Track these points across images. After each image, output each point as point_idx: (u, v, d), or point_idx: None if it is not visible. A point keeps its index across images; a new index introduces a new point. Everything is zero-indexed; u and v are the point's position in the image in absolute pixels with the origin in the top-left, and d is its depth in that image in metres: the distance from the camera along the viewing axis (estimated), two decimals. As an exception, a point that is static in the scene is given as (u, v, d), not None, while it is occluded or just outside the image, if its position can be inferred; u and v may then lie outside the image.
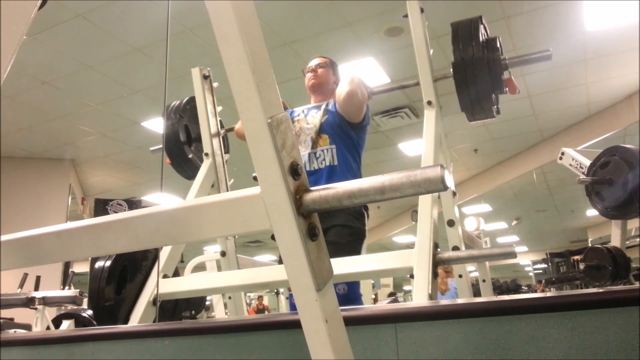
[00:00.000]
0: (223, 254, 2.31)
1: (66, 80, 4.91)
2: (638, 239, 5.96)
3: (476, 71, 1.95)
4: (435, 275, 1.46)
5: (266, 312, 9.68)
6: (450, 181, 1.03)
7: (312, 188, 0.59)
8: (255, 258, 4.69)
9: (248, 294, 9.45)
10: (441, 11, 3.97)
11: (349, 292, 1.99)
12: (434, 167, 0.53)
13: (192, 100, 2.55)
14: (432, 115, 1.98)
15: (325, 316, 0.56)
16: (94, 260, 1.85)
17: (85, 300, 3.37)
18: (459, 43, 1.98)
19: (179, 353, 1.06)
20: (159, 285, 1.74)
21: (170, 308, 2.02)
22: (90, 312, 2.90)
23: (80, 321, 3.01)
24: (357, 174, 2.21)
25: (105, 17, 3.99)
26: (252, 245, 11.58)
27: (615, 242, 3.34)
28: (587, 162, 3.29)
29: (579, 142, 6.47)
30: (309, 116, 2.25)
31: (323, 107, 2.24)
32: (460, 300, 1.02)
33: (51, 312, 3.63)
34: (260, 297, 10.83)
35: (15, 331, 2.62)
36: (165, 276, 1.84)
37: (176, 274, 2.04)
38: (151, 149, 2.71)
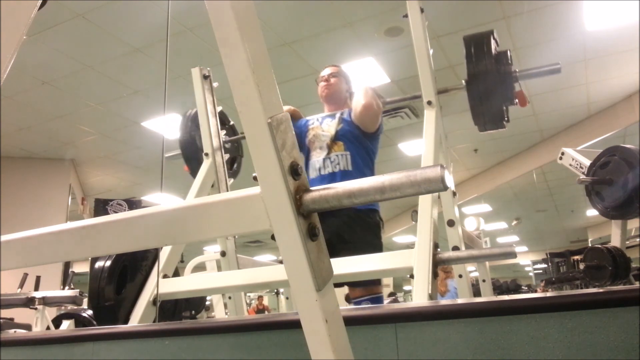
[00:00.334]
0: (223, 254, 2.31)
1: (66, 80, 4.91)
2: (638, 239, 5.96)
3: (489, 85, 2.00)
4: (435, 275, 1.46)
5: (266, 312, 9.67)
6: (450, 181, 1.03)
7: (312, 188, 0.59)
8: (255, 258, 4.69)
9: (248, 294, 9.45)
10: (441, 11, 3.98)
11: None
12: (434, 167, 0.53)
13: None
14: (432, 115, 1.98)
15: (325, 316, 0.56)
16: (94, 260, 1.85)
17: (85, 300, 3.37)
18: (472, 57, 2.03)
19: (179, 353, 1.06)
20: (159, 285, 1.74)
21: (170, 308, 2.02)
22: (90, 312, 2.90)
23: (80, 321, 3.01)
24: None
25: (105, 17, 3.99)
26: (252, 245, 11.57)
27: (615, 242, 3.33)
28: (587, 162, 3.28)
29: (579, 142, 6.47)
30: (324, 124, 2.30)
31: (338, 116, 2.29)
32: (460, 300, 1.02)
33: (51, 312, 3.63)
34: (260, 297, 10.83)
35: (15, 331, 2.62)
36: (165, 276, 1.84)
37: (176, 274, 2.04)
38: (166, 155, 2.73)
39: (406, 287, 16.27)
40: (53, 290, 3.75)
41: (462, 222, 2.96)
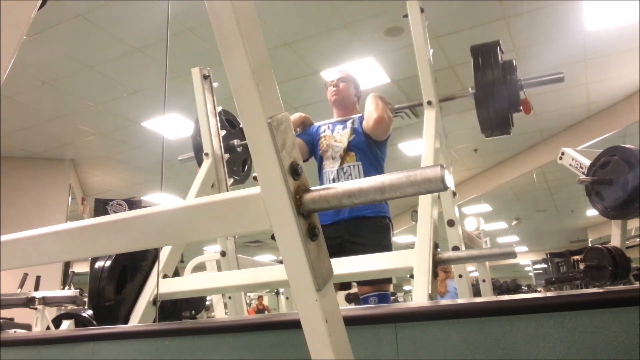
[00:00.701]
0: (223, 254, 2.31)
1: (66, 80, 4.91)
2: (638, 239, 5.95)
3: (496, 94, 2.05)
4: (435, 275, 1.46)
5: (266, 312, 9.67)
6: (450, 181, 1.03)
7: (312, 188, 0.59)
8: (255, 258, 4.69)
9: (248, 294, 9.45)
10: (441, 11, 3.98)
11: (379, 303, 2.04)
12: (434, 167, 0.53)
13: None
14: (432, 115, 1.99)
15: (325, 316, 0.56)
16: (94, 260, 1.84)
17: (86, 300, 3.37)
18: (479, 68, 2.07)
19: (179, 353, 1.06)
20: (159, 285, 1.74)
21: (170, 308, 2.02)
22: (90, 312, 2.90)
23: (80, 321, 3.01)
24: None
25: (105, 17, 3.99)
26: (252, 245, 11.57)
27: (615, 242, 3.33)
28: (587, 162, 3.28)
29: (579, 142, 6.47)
30: (336, 132, 2.38)
31: (350, 125, 2.37)
32: (460, 300, 1.02)
33: (51, 312, 3.64)
34: (260, 297, 10.84)
35: (15, 331, 2.62)
36: (165, 276, 1.84)
37: (176, 274, 2.04)
38: (179, 158, 2.74)
39: (406, 287, 16.27)
40: (53, 290, 3.76)
41: (462, 222, 2.96)
